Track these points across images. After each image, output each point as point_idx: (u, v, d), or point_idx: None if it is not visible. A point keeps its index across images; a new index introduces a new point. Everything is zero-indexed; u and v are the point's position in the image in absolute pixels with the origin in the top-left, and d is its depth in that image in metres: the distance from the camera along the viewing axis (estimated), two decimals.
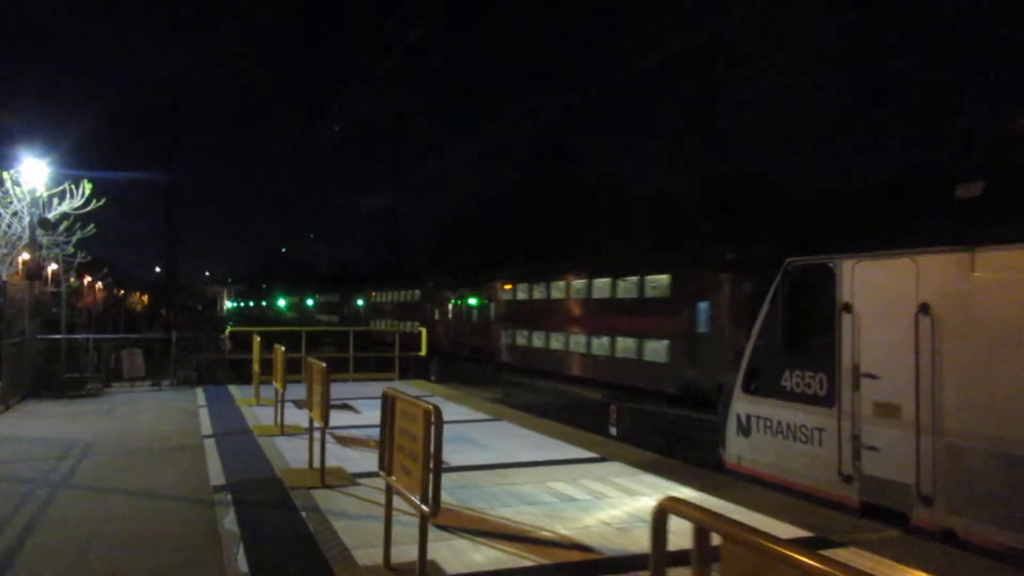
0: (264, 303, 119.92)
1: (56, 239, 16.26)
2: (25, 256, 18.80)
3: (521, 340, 32.34)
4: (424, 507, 4.32)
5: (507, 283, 35.58)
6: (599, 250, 50.40)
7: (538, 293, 32.29)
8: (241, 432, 10.46)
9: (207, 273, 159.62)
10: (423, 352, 19.06)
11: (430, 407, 4.35)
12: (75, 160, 17.79)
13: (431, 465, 4.31)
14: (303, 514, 6.38)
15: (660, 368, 23.57)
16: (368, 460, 8.53)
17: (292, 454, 8.85)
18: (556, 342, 29.09)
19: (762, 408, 7.69)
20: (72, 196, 15.97)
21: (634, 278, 26.06)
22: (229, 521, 6.19)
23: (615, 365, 25.39)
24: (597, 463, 8.47)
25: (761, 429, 7.71)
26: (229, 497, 6.96)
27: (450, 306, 41.14)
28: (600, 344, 26.38)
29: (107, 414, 12.54)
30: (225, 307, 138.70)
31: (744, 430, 7.94)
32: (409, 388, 16.09)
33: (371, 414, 12.02)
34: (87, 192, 16.01)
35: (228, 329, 17.89)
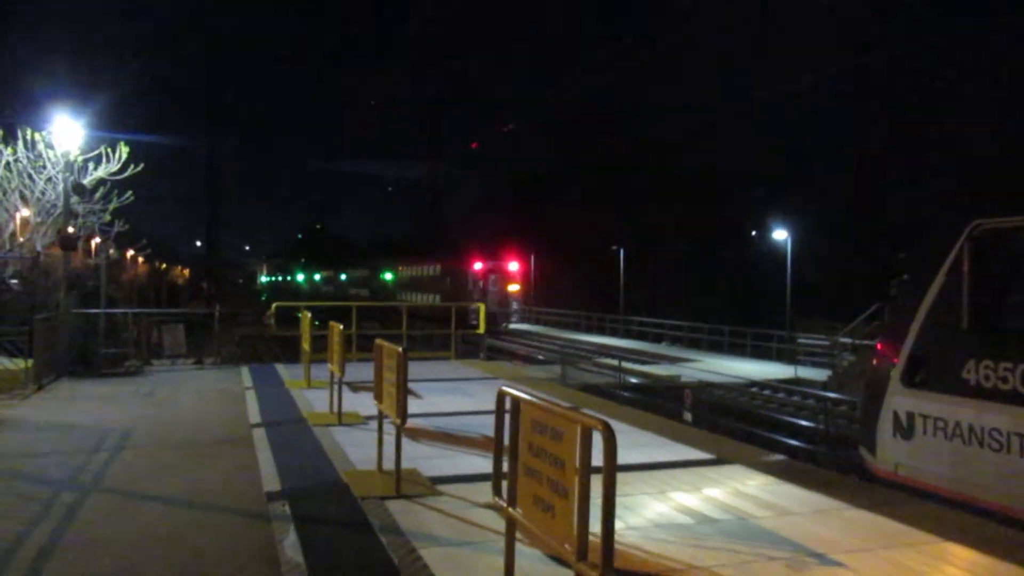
0: (288, 278, 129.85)
1: (92, 207, 15.22)
2: (69, 228, 17.93)
3: (404, 297, 58.12)
4: (588, 569, 2.99)
5: (401, 265, 64.82)
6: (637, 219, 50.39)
7: (410, 272, 61.71)
8: (294, 421, 9.28)
9: (247, 248, 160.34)
10: (481, 330, 17.76)
11: (595, 423, 3.00)
12: (111, 123, 16.72)
13: (593, 508, 2.98)
14: (381, 537, 5.12)
15: (444, 308, 40.72)
16: (444, 460, 7.28)
17: (355, 450, 7.62)
18: (417, 298, 54.78)
19: (933, 405, 6.25)
20: (108, 160, 14.90)
21: (437, 265, 55.51)
22: (290, 545, 4.96)
23: (435, 309, 44.51)
24: (715, 466, 7.11)
25: (931, 431, 6.27)
26: (287, 509, 5.73)
27: (378, 279, 71.11)
28: (431, 298, 51.73)
29: (146, 397, 11.47)
30: (260, 281, 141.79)
31: (904, 432, 6.50)
32: (466, 369, 14.85)
33: (435, 399, 10.80)
34: (123, 156, 14.91)
35: (274, 305, 16.75)
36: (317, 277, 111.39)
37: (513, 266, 47.86)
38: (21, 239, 15.32)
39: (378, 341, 6.70)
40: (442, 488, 6.26)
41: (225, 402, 10.93)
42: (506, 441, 3.81)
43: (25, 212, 15.35)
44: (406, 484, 6.20)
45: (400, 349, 5.92)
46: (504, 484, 3.85)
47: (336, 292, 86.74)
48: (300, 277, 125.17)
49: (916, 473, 6.46)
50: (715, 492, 6.21)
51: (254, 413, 9.83)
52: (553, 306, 46.36)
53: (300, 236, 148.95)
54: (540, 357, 31.85)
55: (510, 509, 3.73)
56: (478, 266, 48.17)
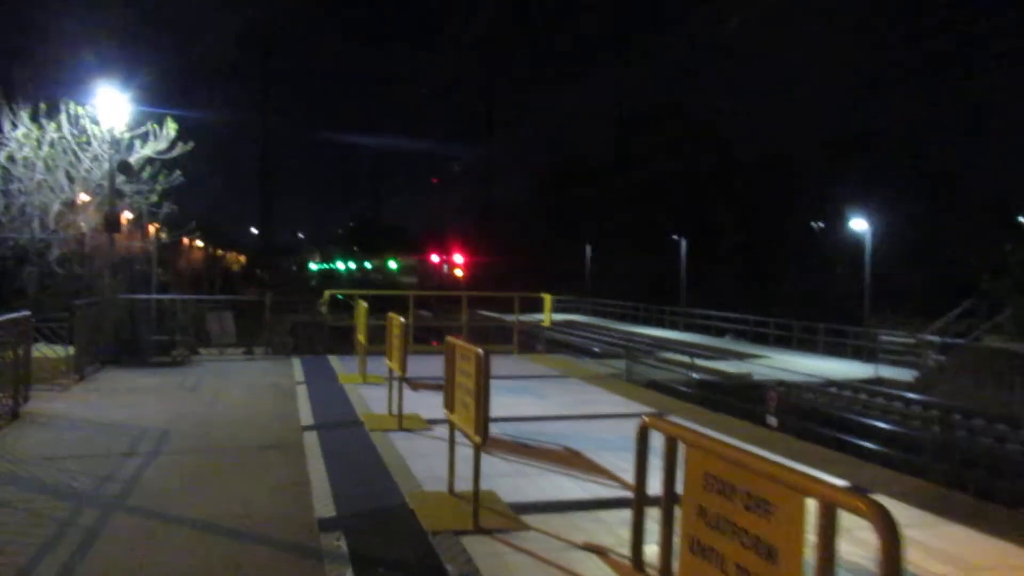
0: (330, 265, 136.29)
1: (140, 187, 14.47)
2: (128, 214, 17.29)
3: (400, 281, 76.45)
4: None
5: (400, 256, 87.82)
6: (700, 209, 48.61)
7: (404, 262, 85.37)
8: (349, 423, 8.30)
9: (300, 236, 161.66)
10: (546, 323, 16.65)
11: (848, 498, 1.87)
12: (159, 99, 15.97)
13: None
14: None
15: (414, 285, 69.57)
16: (525, 480, 6.18)
17: (419, 463, 6.58)
18: (406, 281, 72.54)
19: None
20: (156, 138, 14.12)
21: (415, 257, 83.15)
22: None
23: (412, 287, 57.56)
24: None
25: None
26: (342, 544, 4.71)
27: (386, 267, 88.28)
28: (411, 281, 74.57)
29: (191, 390, 10.63)
30: (310, 268, 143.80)
31: None
32: (530, 364, 13.77)
33: (503, 400, 9.67)
34: (172, 134, 14.12)
35: (327, 292, 15.89)
36: (352, 265, 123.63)
37: (458, 258, 70.23)
38: (80, 221, 14.63)
39: (450, 339, 5.63)
40: (528, 519, 5.17)
41: (274, 399, 10.02)
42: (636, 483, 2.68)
43: (84, 197, 14.68)
44: (485, 514, 5.12)
45: (480, 351, 4.83)
46: (647, 546, 2.73)
47: (362, 278, 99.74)
48: (340, 265, 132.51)
49: None
50: (869, 535, 4.98)
51: (305, 413, 8.89)
52: (607, 296, 45.00)
53: (340, 230, 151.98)
54: (596, 349, 30.66)
55: None
56: (435, 258, 75.23)
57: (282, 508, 5.55)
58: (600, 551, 4.56)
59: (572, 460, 6.82)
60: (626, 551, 4.59)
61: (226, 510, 5.47)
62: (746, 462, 2.19)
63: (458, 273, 69.02)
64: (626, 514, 5.29)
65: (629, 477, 6.24)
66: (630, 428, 8.49)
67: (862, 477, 6.40)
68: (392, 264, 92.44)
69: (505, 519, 5.16)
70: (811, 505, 1.98)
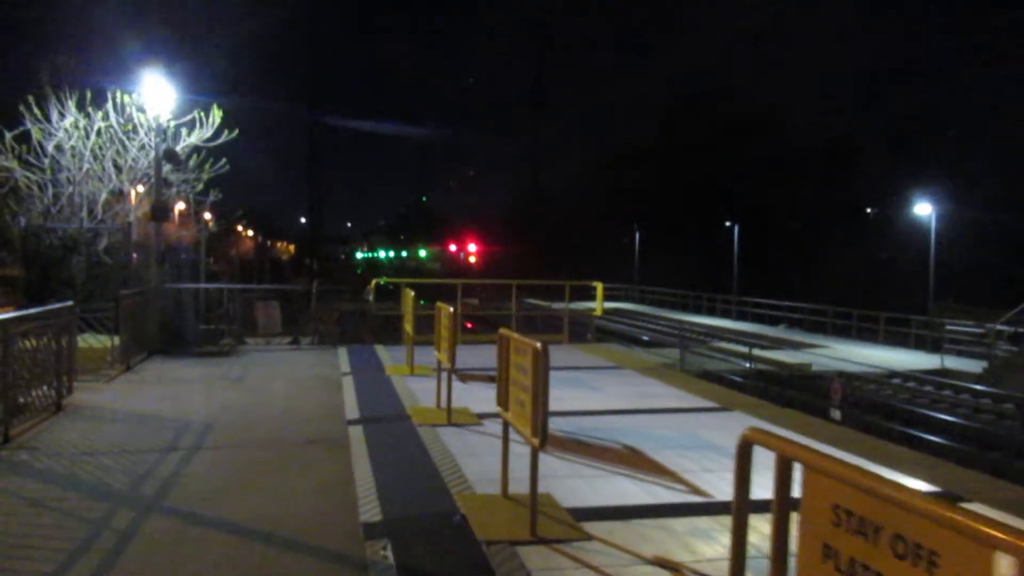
0: (374, 254, 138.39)
1: (186, 176, 14.34)
2: (181, 205, 17.26)
3: (430, 267, 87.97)
4: None
5: (430, 245, 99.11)
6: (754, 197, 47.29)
7: (431, 250, 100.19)
8: (396, 418, 7.94)
9: (348, 224, 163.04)
10: (598, 311, 16.11)
11: None
12: (204, 87, 15.81)
13: None
14: None
15: (437, 271, 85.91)
16: (583, 481, 5.74)
17: (470, 463, 6.18)
18: (433, 268, 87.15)
19: None
20: (201, 126, 13.95)
21: (439, 247, 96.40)
22: None
23: (435, 273, 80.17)
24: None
25: None
26: (388, 554, 4.32)
27: (417, 255, 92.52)
28: (436, 267, 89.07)
29: (236, 381, 10.41)
30: (355, 257, 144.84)
31: None
32: (581, 355, 13.28)
33: (556, 393, 9.15)
34: (217, 121, 13.92)
35: (374, 281, 15.60)
36: (392, 254, 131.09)
37: (472, 247, 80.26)
38: (127, 210, 14.58)
39: (504, 331, 5.21)
40: (589, 527, 4.73)
41: (320, 391, 9.73)
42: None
43: (140, 187, 14.60)
44: (542, 520, 4.69)
45: (538, 345, 4.39)
46: None
47: (400, 266, 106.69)
48: (382, 254, 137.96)
49: None
50: None
51: (351, 406, 8.56)
52: (655, 284, 44.15)
53: (382, 221, 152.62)
54: (645, 338, 30.01)
55: None
56: (453, 248, 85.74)
57: (325, 511, 5.20)
58: (674, 567, 4.10)
59: (632, 459, 6.36)
60: (701, 568, 4.14)
61: (265, 513, 5.14)
62: (897, 497, 1.71)
63: (472, 260, 79.23)
64: (696, 522, 4.84)
65: (696, 479, 5.77)
66: (692, 424, 8.01)
67: (948, 481, 5.81)
68: (423, 252, 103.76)
69: (564, 527, 4.72)
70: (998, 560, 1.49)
